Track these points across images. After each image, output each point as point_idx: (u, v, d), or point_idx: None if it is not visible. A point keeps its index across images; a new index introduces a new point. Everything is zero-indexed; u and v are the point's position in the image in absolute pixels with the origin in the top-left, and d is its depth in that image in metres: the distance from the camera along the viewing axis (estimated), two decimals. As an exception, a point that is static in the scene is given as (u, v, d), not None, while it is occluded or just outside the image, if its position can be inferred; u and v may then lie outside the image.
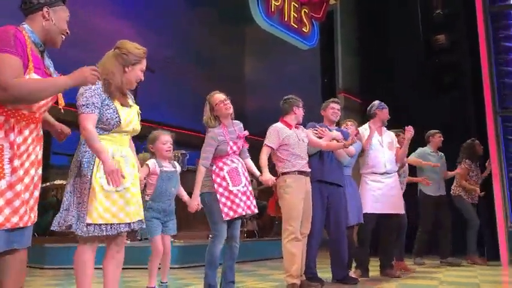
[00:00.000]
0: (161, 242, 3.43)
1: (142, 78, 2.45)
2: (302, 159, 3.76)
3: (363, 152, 4.64)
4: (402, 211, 4.73)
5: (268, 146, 3.75)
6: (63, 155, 10.62)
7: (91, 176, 2.22)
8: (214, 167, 3.28)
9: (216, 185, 3.23)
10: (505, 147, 6.47)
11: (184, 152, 6.54)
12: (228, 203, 3.20)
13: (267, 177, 3.52)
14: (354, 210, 4.32)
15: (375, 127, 4.72)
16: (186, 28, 13.05)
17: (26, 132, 1.98)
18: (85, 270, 2.24)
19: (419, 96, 7.95)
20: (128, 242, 5.46)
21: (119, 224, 2.24)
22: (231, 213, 3.19)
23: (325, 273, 4.44)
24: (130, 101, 2.44)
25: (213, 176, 3.25)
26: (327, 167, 4.09)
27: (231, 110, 3.35)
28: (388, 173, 4.62)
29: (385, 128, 4.83)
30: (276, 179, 3.64)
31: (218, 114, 3.34)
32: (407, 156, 5.40)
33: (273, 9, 8.87)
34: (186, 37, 12.96)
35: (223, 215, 3.18)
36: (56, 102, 2.17)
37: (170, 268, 5.26)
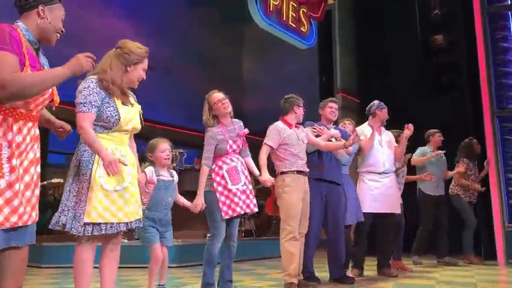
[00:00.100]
0: (160, 249, 3.39)
1: (145, 77, 2.44)
2: (301, 159, 3.77)
3: (359, 151, 4.65)
4: (399, 211, 4.75)
5: (268, 145, 3.74)
6: (60, 154, 10.62)
7: (90, 176, 2.21)
8: (214, 165, 3.29)
9: (215, 184, 3.24)
10: (502, 147, 6.50)
11: (182, 151, 6.54)
12: (228, 202, 3.20)
13: (266, 177, 3.51)
14: (353, 209, 4.33)
15: (375, 127, 4.73)
16: (185, 28, 13.05)
17: (25, 130, 1.97)
18: (84, 269, 2.23)
19: (417, 96, 7.96)
20: (125, 241, 5.45)
21: (119, 223, 2.24)
22: (230, 212, 3.19)
23: (322, 272, 4.45)
24: (132, 100, 2.43)
25: (213, 175, 3.26)
26: (326, 165, 4.10)
27: (230, 109, 3.35)
28: (386, 173, 4.64)
29: (384, 128, 4.84)
30: (274, 179, 3.64)
31: (217, 113, 3.34)
32: (410, 158, 5.44)
33: (271, 9, 8.86)
34: (185, 37, 12.96)
35: (223, 214, 3.18)
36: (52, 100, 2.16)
37: (168, 267, 5.28)
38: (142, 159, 3.51)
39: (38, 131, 2.09)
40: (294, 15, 9.41)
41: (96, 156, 2.21)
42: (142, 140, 3.42)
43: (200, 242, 6.23)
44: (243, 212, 3.24)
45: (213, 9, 13.33)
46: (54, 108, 2.18)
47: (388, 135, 4.81)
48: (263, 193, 7.99)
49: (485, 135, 6.46)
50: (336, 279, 4.09)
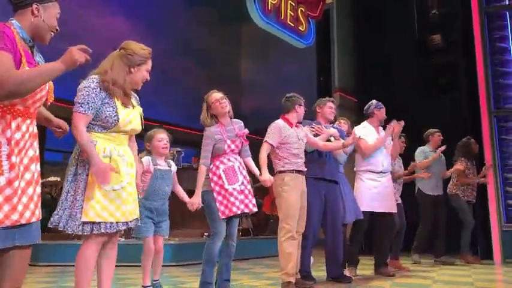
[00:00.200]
0: (153, 242, 3.41)
1: (149, 78, 2.44)
2: (300, 159, 3.77)
3: (356, 150, 4.66)
4: (395, 210, 4.75)
5: (269, 143, 3.73)
6: (57, 152, 10.61)
7: (87, 175, 2.21)
8: (211, 165, 3.29)
9: (213, 184, 3.24)
10: (500, 147, 6.51)
11: (179, 149, 6.53)
12: (225, 202, 3.20)
13: (266, 177, 3.50)
14: (351, 208, 4.34)
15: (373, 126, 4.74)
16: (184, 27, 13.05)
17: (24, 127, 1.97)
18: (86, 266, 2.22)
19: (415, 96, 7.98)
20: (122, 239, 5.45)
21: (117, 222, 2.24)
22: (227, 212, 3.19)
23: (319, 271, 4.46)
24: (134, 101, 2.43)
25: (210, 175, 3.27)
26: (325, 164, 4.10)
27: (228, 109, 3.34)
28: (383, 172, 4.65)
29: (381, 128, 4.85)
30: (273, 177, 3.63)
31: (215, 113, 3.34)
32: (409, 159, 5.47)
33: (269, 8, 8.86)
34: (183, 36, 12.96)
35: (220, 214, 3.18)
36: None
37: (165, 266, 5.28)
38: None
39: (36, 129, 2.08)
40: (292, 14, 9.41)
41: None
42: (142, 139, 3.43)
43: (198, 241, 6.24)
44: (239, 212, 3.21)
45: (211, 8, 13.32)
46: (48, 104, 2.16)
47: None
48: (261, 192, 8.01)
49: (483, 134, 6.48)
50: (333, 278, 4.09)
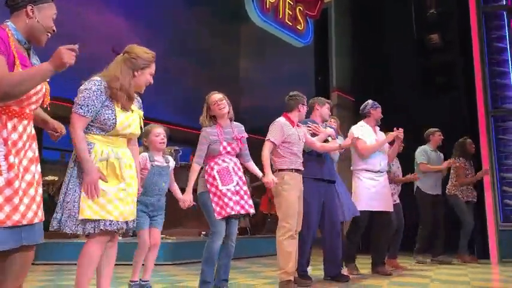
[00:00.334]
0: (148, 235, 3.39)
1: (152, 82, 2.45)
2: (299, 158, 3.79)
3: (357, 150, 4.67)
4: (392, 209, 4.76)
5: (272, 142, 3.73)
6: (54, 150, 10.57)
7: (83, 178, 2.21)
8: (206, 166, 3.30)
9: (208, 185, 3.26)
10: (497, 146, 6.53)
11: (177, 148, 6.52)
12: (220, 202, 3.20)
13: (269, 179, 3.50)
14: (348, 205, 4.36)
15: (370, 126, 4.75)
16: (183, 26, 13.04)
17: (20, 128, 1.96)
18: (88, 263, 2.23)
19: (413, 95, 8.00)
20: (120, 238, 5.44)
21: (117, 221, 2.24)
22: (223, 213, 3.19)
23: (316, 270, 4.47)
24: (136, 105, 2.43)
25: (206, 176, 3.28)
26: (323, 164, 4.11)
27: (225, 110, 3.34)
28: (381, 171, 4.66)
29: (378, 128, 4.86)
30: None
31: (214, 114, 3.35)
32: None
33: (267, 7, 8.87)
34: (182, 35, 12.95)
35: (216, 214, 3.19)
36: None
37: (162, 265, 5.28)
38: None
39: (33, 130, 2.08)
40: (291, 13, 9.43)
41: (91, 157, 2.21)
42: (139, 139, 3.42)
43: (195, 240, 6.24)
44: (233, 213, 3.19)
45: (210, 8, 13.31)
46: (46, 107, 2.17)
47: (382, 136, 4.83)
48: (258, 191, 8.02)
49: (480, 134, 6.49)
50: (331, 277, 4.10)
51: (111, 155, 2.28)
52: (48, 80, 2.03)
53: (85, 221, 2.17)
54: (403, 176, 5.62)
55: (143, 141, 3.49)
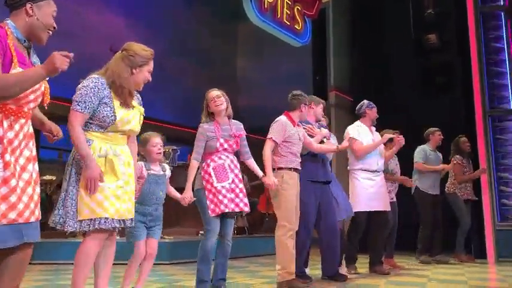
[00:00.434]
0: (145, 246, 3.31)
1: (150, 79, 2.45)
2: (298, 158, 3.79)
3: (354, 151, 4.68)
4: (389, 208, 4.78)
5: (273, 141, 3.72)
6: (52, 150, 10.55)
7: (82, 174, 2.21)
8: (203, 163, 3.29)
9: (204, 182, 3.25)
10: (494, 146, 6.55)
11: (175, 147, 6.52)
12: (214, 200, 3.18)
13: (271, 180, 3.50)
14: (346, 206, 4.36)
15: (367, 126, 4.76)
16: (183, 26, 13.03)
17: (17, 127, 1.96)
18: (86, 262, 2.23)
19: (411, 95, 8.01)
20: (118, 237, 5.42)
21: (113, 219, 2.24)
22: (217, 210, 3.17)
23: (313, 270, 4.47)
24: (135, 102, 2.43)
25: (202, 173, 3.28)
26: (319, 166, 4.10)
27: (222, 107, 3.33)
28: (378, 171, 4.67)
29: (374, 128, 4.87)
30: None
31: (211, 110, 3.35)
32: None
33: (266, 6, 8.87)
34: (180, 34, 12.93)
35: (210, 211, 3.18)
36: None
37: (160, 264, 5.28)
38: None
39: (31, 129, 2.07)
40: (289, 12, 9.44)
41: (91, 153, 2.21)
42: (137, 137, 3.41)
43: (193, 239, 6.23)
44: (228, 211, 3.17)
45: (210, 8, 13.31)
46: (46, 107, 2.17)
47: (378, 136, 4.84)
48: (256, 190, 8.01)
49: (477, 134, 6.51)
50: (328, 277, 4.10)
51: (110, 151, 2.28)
52: (47, 78, 2.02)
53: (83, 219, 2.17)
54: (402, 174, 5.62)
55: (140, 150, 3.45)
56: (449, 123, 6.77)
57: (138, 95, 2.52)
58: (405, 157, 5.71)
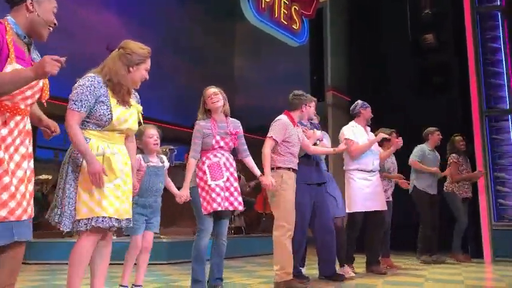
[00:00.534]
0: (141, 239, 3.33)
1: (147, 78, 2.44)
2: (296, 159, 3.78)
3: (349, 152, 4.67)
4: (386, 207, 4.78)
5: (274, 140, 3.70)
6: (48, 149, 10.51)
7: (79, 172, 2.20)
8: (199, 161, 3.27)
9: (198, 179, 3.23)
10: (491, 146, 6.57)
11: (172, 147, 6.50)
12: (207, 197, 3.16)
13: (268, 181, 3.48)
14: (341, 204, 4.36)
15: (362, 126, 4.76)
16: (176, 24, 13.01)
17: (12, 124, 1.94)
18: (80, 262, 2.21)
19: (408, 95, 8.03)
20: (114, 237, 5.41)
21: (110, 218, 2.22)
22: (209, 208, 3.15)
23: (310, 270, 4.47)
24: (133, 100, 2.42)
25: (197, 170, 3.26)
26: (313, 168, 4.09)
27: (219, 104, 3.31)
28: (373, 171, 4.67)
29: (368, 128, 4.87)
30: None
31: (208, 108, 3.34)
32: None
33: (263, 6, 8.87)
34: (175, 33, 12.91)
35: (202, 209, 3.16)
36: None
37: (157, 264, 5.26)
38: None
39: (29, 126, 2.06)
40: (286, 12, 9.43)
41: None
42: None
43: (190, 239, 6.19)
44: (220, 208, 3.14)
45: (203, 6, 13.30)
46: (45, 105, 2.16)
47: (372, 136, 4.84)
48: (253, 190, 8.01)
49: (474, 134, 6.52)
50: (326, 277, 4.10)
51: (107, 150, 2.27)
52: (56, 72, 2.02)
53: (80, 219, 2.16)
54: (398, 172, 5.61)
55: (136, 143, 3.46)
56: (446, 123, 6.78)
57: (136, 94, 2.51)
58: (403, 157, 5.71)
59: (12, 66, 1.90)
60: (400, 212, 5.41)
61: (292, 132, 3.76)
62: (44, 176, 8.94)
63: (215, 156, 3.26)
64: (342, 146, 4.18)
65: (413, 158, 5.83)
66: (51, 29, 2.09)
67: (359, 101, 4.86)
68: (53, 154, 11.04)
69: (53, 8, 2.09)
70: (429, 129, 5.99)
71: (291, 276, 3.61)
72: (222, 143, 3.28)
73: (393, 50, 8.39)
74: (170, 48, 12.37)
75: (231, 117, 3.46)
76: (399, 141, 4.77)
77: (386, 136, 4.80)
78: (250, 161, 3.49)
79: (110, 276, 4.17)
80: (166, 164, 3.52)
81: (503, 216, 6.39)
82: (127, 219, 2.36)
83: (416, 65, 8.34)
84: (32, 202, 2.02)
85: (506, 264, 5.65)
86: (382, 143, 5.11)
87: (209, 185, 3.17)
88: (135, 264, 3.39)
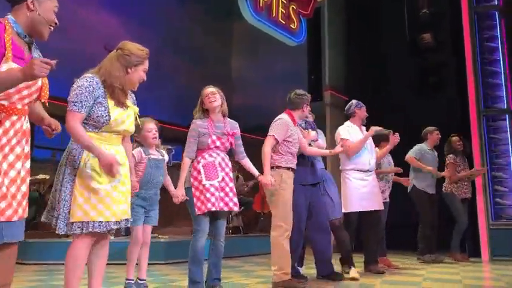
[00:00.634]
0: (142, 232, 3.39)
1: (145, 79, 2.43)
2: (295, 159, 3.78)
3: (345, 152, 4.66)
4: (382, 207, 4.78)
5: (275, 138, 3.68)
6: (46, 149, 10.48)
7: (75, 175, 2.19)
8: (194, 160, 3.26)
9: (192, 179, 3.21)
10: (488, 145, 6.58)
11: (170, 147, 6.48)
12: (201, 197, 3.14)
13: (267, 180, 3.46)
14: (338, 205, 4.36)
15: (357, 125, 4.76)
16: (175, 24, 12.99)
17: (7, 124, 1.93)
18: (75, 265, 2.20)
19: (408, 95, 8.03)
20: (112, 237, 5.40)
21: (108, 221, 2.21)
22: (203, 208, 3.12)
23: (308, 269, 4.47)
24: (130, 101, 2.41)
25: (192, 170, 3.24)
26: (308, 170, 4.07)
27: (216, 104, 3.29)
28: (370, 171, 4.67)
29: (364, 127, 4.87)
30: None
31: (205, 107, 3.32)
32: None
33: (261, 5, 8.85)
34: (175, 33, 12.90)
35: (196, 209, 3.14)
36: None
37: (155, 264, 5.26)
38: None
39: (26, 125, 2.05)
40: (284, 11, 9.42)
41: (84, 155, 2.19)
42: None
43: (187, 239, 6.18)
44: (214, 209, 3.11)
45: (203, 6, 13.28)
46: (46, 104, 2.15)
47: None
48: (251, 189, 8.00)
49: (472, 134, 6.53)
50: (323, 276, 4.09)
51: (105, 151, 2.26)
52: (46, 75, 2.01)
53: (75, 222, 2.14)
54: (398, 174, 5.61)
55: (135, 137, 3.47)
56: (445, 122, 6.80)
57: (132, 95, 2.50)
58: (401, 157, 5.71)
59: (8, 65, 1.89)
60: (398, 212, 5.40)
61: (293, 131, 3.75)
62: (41, 176, 8.89)
63: (210, 155, 3.23)
64: (338, 148, 4.16)
65: (410, 155, 5.81)
66: (52, 28, 2.08)
67: (353, 101, 4.86)
68: (51, 154, 11.01)
69: (53, 7, 2.08)
70: (428, 129, 5.98)
71: (289, 276, 3.60)
72: (218, 143, 3.26)
73: (391, 49, 8.40)
74: (170, 48, 12.34)
75: (228, 116, 3.45)
76: (396, 138, 4.76)
77: (378, 129, 4.75)
78: (247, 163, 3.46)
79: (107, 276, 4.17)
80: (166, 158, 3.55)
81: (501, 215, 6.41)
82: (126, 219, 2.35)
83: (416, 65, 8.36)
84: (24, 203, 2.00)
85: (503, 263, 5.66)
86: (379, 143, 5.11)
87: (203, 185, 3.14)
88: (136, 264, 3.43)
